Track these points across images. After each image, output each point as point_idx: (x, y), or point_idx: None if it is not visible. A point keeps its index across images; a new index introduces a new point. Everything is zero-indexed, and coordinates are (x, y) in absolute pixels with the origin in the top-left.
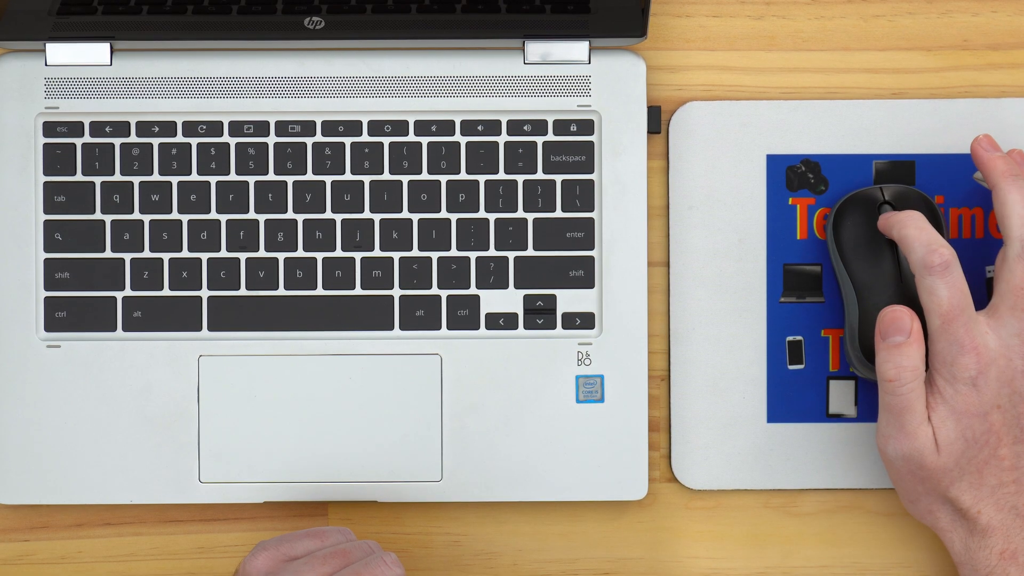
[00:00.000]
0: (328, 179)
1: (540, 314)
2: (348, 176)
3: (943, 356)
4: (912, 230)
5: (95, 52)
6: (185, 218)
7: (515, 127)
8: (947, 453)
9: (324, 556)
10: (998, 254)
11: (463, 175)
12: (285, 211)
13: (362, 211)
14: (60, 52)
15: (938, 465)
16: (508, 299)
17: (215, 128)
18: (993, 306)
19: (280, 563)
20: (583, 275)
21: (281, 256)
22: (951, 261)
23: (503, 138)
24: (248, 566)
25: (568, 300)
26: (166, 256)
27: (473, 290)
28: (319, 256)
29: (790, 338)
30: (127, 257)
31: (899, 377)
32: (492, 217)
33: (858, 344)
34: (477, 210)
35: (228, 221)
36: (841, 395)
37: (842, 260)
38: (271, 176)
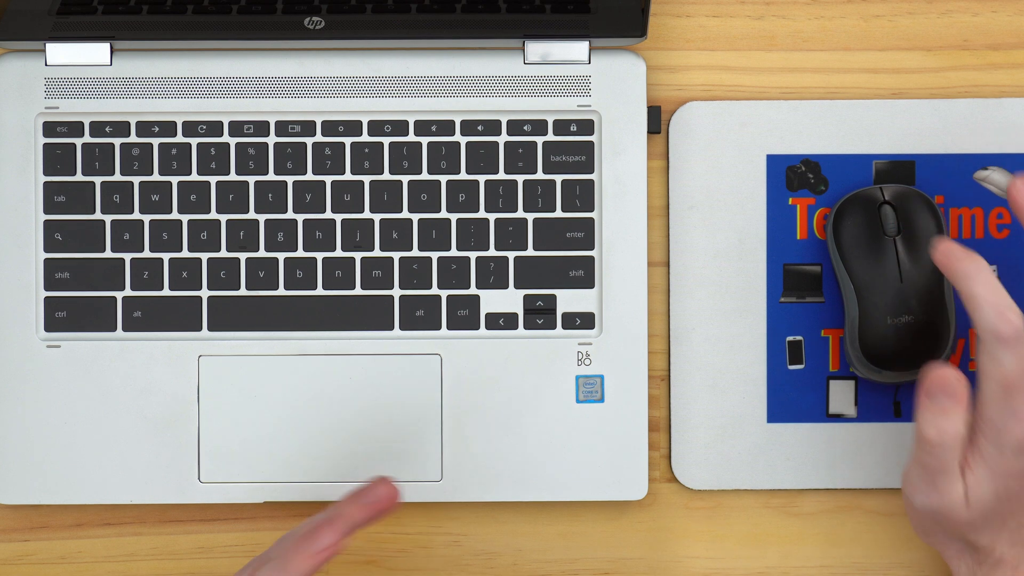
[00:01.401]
0: (328, 179)
1: (540, 314)
2: (348, 176)
3: (994, 422)
4: (982, 289)
5: (95, 52)
6: (185, 218)
7: (515, 127)
8: (977, 509)
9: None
10: None
11: (463, 175)
12: (285, 211)
13: (362, 211)
14: (60, 52)
15: (965, 519)
16: (508, 299)
17: (215, 128)
18: None
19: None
20: (583, 275)
21: (281, 256)
22: (1021, 330)
23: (503, 138)
24: None
25: (568, 300)
26: (166, 256)
27: (473, 290)
28: (319, 256)
29: (790, 338)
30: (127, 257)
31: (942, 442)
32: (492, 217)
33: (858, 344)
34: (477, 210)
35: (228, 221)
36: (841, 395)
37: (842, 260)
38: (271, 176)
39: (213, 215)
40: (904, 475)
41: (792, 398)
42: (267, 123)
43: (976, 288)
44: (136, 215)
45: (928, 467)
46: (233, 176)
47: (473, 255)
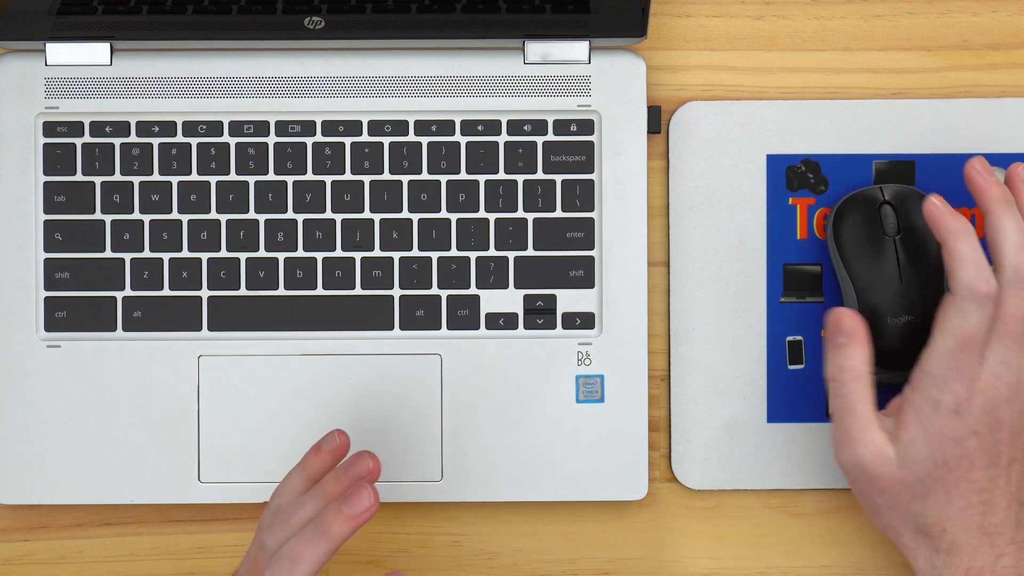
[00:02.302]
0: (328, 179)
1: (540, 314)
2: (348, 176)
3: (934, 378)
4: (967, 247)
5: (95, 52)
6: (185, 218)
7: (515, 127)
8: (910, 470)
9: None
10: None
11: (463, 175)
12: (285, 211)
13: (362, 211)
14: (60, 52)
15: (896, 478)
16: (508, 299)
17: (215, 128)
18: (987, 338)
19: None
20: (583, 275)
21: (281, 256)
22: (994, 295)
23: (503, 138)
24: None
25: (568, 300)
26: (166, 256)
27: (473, 290)
28: (319, 256)
29: (790, 338)
30: (127, 257)
31: (841, 378)
32: (492, 217)
33: None
34: (477, 210)
35: (228, 221)
36: None
37: (842, 260)
38: (271, 176)
39: (213, 215)
40: (832, 441)
41: (792, 398)
42: (267, 123)
43: (962, 245)
44: (136, 215)
45: (837, 411)
46: (233, 176)
47: (473, 255)
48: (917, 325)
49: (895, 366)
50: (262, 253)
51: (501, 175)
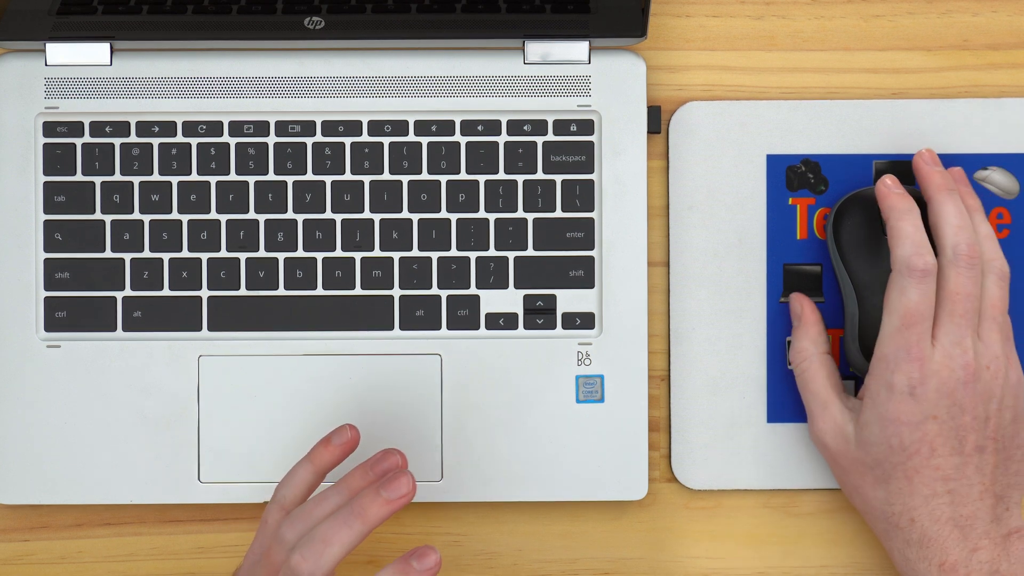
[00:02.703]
0: (328, 179)
1: (540, 314)
2: (348, 176)
3: (887, 361)
4: (908, 226)
5: (95, 52)
6: (185, 218)
7: (515, 127)
8: (866, 452)
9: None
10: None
11: (463, 175)
12: (285, 211)
13: (362, 211)
14: (60, 52)
15: (854, 458)
16: (508, 299)
17: (215, 128)
18: (935, 319)
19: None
20: (583, 275)
21: (281, 256)
22: (933, 271)
23: (503, 138)
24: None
25: (568, 300)
26: (166, 256)
27: (473, 290)
28: (319, 256)
29: (790, 338)
30: (127, 257)
31: (793, 359)
32: (492, 217)
33: (857, 343)
34: (477, 210)
35: (228, 221)
36: None
37: (842, 260)
38: (271, 176)
39: (213, 215)
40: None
41: (792, 398)
42: (267, 123)
43: (904, 224)
44: (136, 215)
45: (800, 391)
46: (233, 176)
47: (473, 255)
48: None
49: None
50: (262, 253)
51: (501, 175)
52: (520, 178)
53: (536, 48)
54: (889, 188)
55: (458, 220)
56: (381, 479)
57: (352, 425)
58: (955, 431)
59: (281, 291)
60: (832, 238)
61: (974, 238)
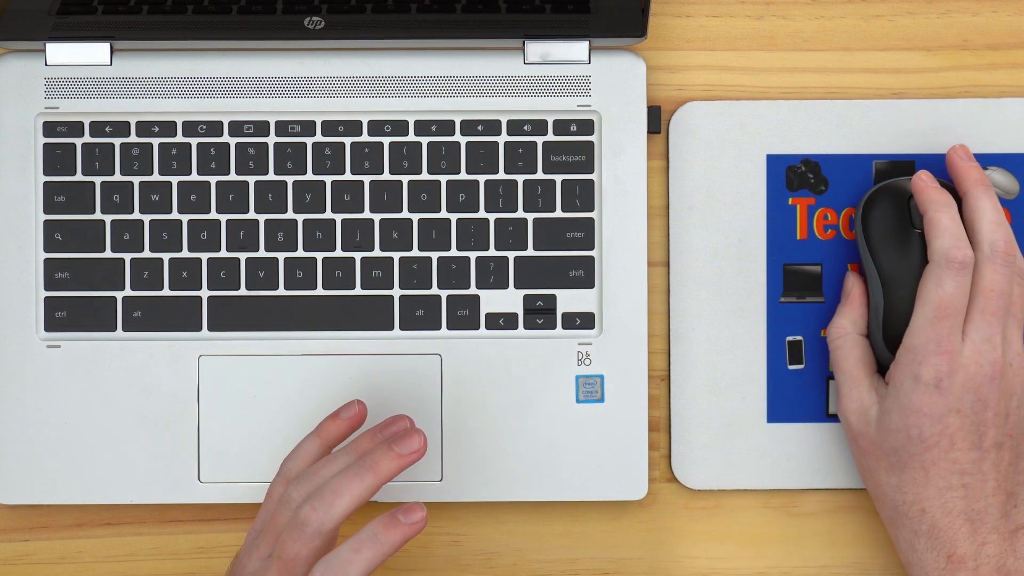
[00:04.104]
0: (328, 179)
1: (540, 314)
2: (348, 176)
3: (915, 351)
4: (947, 219)
5: (95, 52)
6: (185, 218)
7: (515, 127)
8: (884, 438)
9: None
10: None
11: (463, 175)
12: (285, 211)
13: (362, 211)
14: (60, 52)
15: (873, 441)
16: (508, 299)
17: (215, 128)
18: (967, 314)
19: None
20: (583, 275)
21: (281, 256)
22: (970, 264)
23: (503, 138)
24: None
25: (568, 300)
26: (166, 256)
27: (473, 290)
28: (319, 256)
29: (790, 338)
30: (127, 257)
31: (830, 334)
32: (492, 217)
33: (882, 334)
34: (477, 210)
35: (228, 221)
36: None
37: (869, 251)
38: (271, 176)
39: (213, 215)
40: None
41: (792, 398)
42: (267, 123)
43: (942, 216)
44: (136, 215)
45: (833, 368)
46: (233, 176)
47: (473, 255)
48: None
49: None
50: (262, 253)
51: (501, 175)
52: (520, 178)
53: (536, 48)
54: (925, 182)
55: (458, 220)
56: (391, 439)
57: (360, 401)
58: (976, 426)
59: (281, 291)
60: (860, 229)
61: (1011, 235)
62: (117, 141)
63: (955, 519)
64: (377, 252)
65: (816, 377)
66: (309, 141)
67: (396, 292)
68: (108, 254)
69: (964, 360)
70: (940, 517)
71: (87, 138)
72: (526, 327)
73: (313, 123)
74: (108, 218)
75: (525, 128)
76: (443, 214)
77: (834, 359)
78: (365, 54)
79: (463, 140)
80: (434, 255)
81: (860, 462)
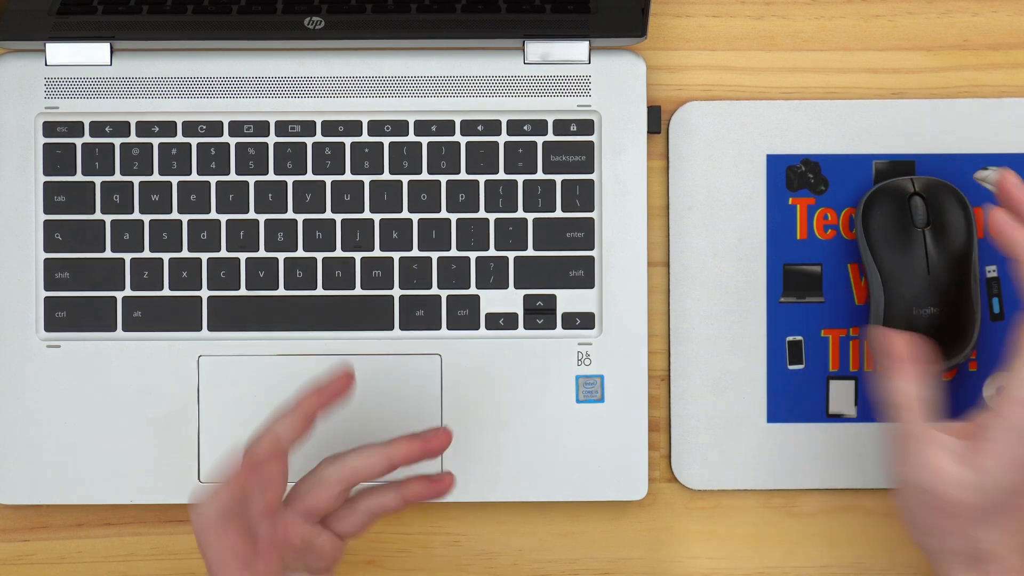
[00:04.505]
0: (328, 179)
1: (540, 314)
2: (348, 176)
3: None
4: None
5: (95, 52)
6: (185, 218)
7: (515, 127)
8: (985, 496)
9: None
10: None
11: (463, 175)
12: (285, 211)
13: (362, 211)
14: (60, 52)
15: (967, 503)
16: (508, 299)
17: (215, 128)
18: None
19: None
20: (583, 275)
21: (281, 256)
22: None
23: (503, 138)
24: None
25: (568, 300)
26: (166, 256)
27: (473, 290)
28: (319, 256)
29: (790, 338)
30: (127, 257)
31: (899, 402)
32: (492, 217)
33: None
34: (477, 210)
35: (228, 221)
36: (841, 395)
37: (870, 250)
38: (271, 176)
39: (213, 215)
40: (889, 459)
41: (792, 398)
42: (267, 123)
43: None
44: (136, 215)
45: (896, 434)
46: (233, 176)
47: (473, 255)
48: (941, 317)
49: None
50: (262, 253)
51: (501, 175)
52: (520, 178)
53: (536, 48)
54: (1006, 222)
55: (458, 220)
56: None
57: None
58: None
59: (281, 291)
60: (860, 229)
61: None
62: (117, 141)
63: (1019, 557)
64: (377, 252)
65: (816, 377)
66: (309, 141)
67: (396, 292)
68: (108, 254)
69: None
70: (1010, 556)
71: (87, 138)
72: (526, 327)
73: (313, 123)
74: (108, 218)
75: (525, 128)
76: (443, 214)
77: (900, 428)
78: (365, 54)
79: (463, 140)
80: (434, 255)
81: (936, 523)
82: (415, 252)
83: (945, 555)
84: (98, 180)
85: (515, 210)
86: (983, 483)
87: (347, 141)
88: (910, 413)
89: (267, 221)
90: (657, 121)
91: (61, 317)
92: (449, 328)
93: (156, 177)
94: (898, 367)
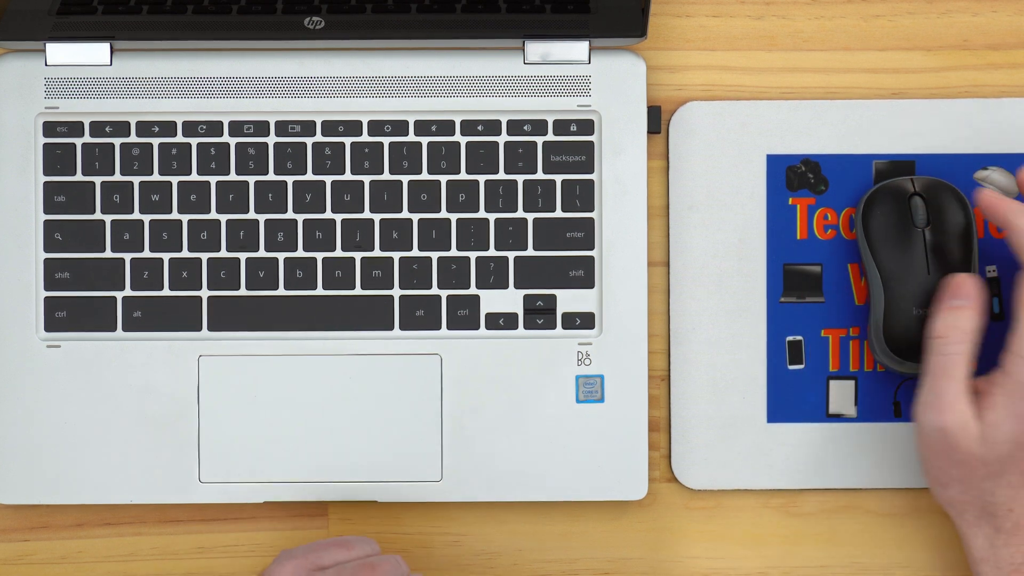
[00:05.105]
0: (328, 179)
1: (540, 314)
2: (348, 176)
3: None
4: None
5: (95, 52)
6: (185, 218)
7: (515, 127)
8: (990, 449)
9: (353, 569)
10: None
11: (463, 175)
12: (285, 211)
13: (362, 211)
14: (60, 52)
15: (974, 454)
16: (508, 299)
17: (215, 128)
18: None
19: (308, 572)
20: (583, 275)
21: (281, 256)
22: None
23: (503, 138)
24: (274, 574)
25: (568, 300)
26: (166, 256)
27: (473, 290)
28: (319, 256)
29: (790, 338)
30: (127, 257)
31: (947, 335)
32: (492, 217)
33: (882, 334)
34: (477, 210)
35: (228, 221)
36: (841, 395)
37: (870, 249)
38: (271, 176)
39: (213, 215)
40: (916, 399)
41: (792, 398)
42: (267, 123)
43: (1021, 219)
44: (136, 215)
45: (935, 370)
46: (233, 176)
47: (473, 255)
48: None
49: (918, 358)
50: (262, 253)
51: (501, 175)
52: (520, 178)
53: (536, 48)
54: (994, 195)
55: (458, 220)
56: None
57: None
58: None
59: (281, 291)
60: (861, 229)
61: None
62: (117, 141)
63: None
64: (377, 252)
65: (816, 377)
66: (309, 141)
67: (396, 292)
68: (108, 254)
69: None
70: (1018, 510)
71: (87, 138)
72: (526, 327)
73: (313, 123)
74: (108, 218)
75: (525, 128)
76: (443, 214)
77: (945, 364)
78: (365, 54)
79: (463, 140)
80: (434, 255)
81: (948, 471)
82: (415, 252)
83: (959, 507)
84: (98, 180)
85: (515, 210)
86: (988, 435)
87: (347, 141)
88: (955, 351)
89: (267, 221)
90: (657, 121)
91: (61, 317)
92: (449, 328)
93: (156, 177)
94: (960, 305)
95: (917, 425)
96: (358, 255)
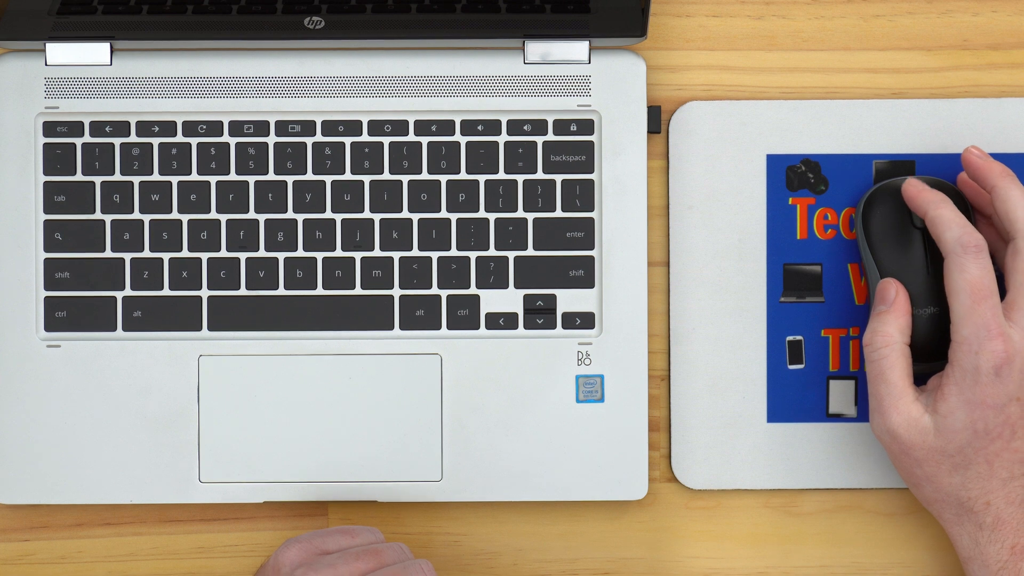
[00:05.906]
0: (328, 179)
1: (540, 314)
2: (348, 176)
3: (969, 343)
4: (948, 212)
5: (95, 52)
6: (185, 218)
7: (515, 127)
8: (948, 440)
9: (357, 553)
10: (1008, 252)
11: (463, 175)
12: (285, 211)
13: (362, 211)
14: (60, 52)
15: (933, 447)
16: (508, 299)
17: (215, 128)
18: (1010, 301)
19: (313, 555)
20: (583, 275)
21: (281, 256)
22: (985, 247)
23: (503, 138)
24: (281, 558)
25: (568, 300)
26: (166, 256)
27: (473, 290)
28: (319, 256)
29: (790, 338)
30: (127, 257)
31: (872, 341)
32: (492, 217)
33: None
34: (477, 210)
35: (228, 221)
36: (841, 395)
37: (870, 249)
38: (271, 176)
39: (213, 215)
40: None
41: (792, 398)
42: (267, 123)
43: (943, 211)
44: (136, 215)
45: (870, 378)
46: (233, 176)
47: (473, 255)
48: (942, 317)
49: (918, 357)
50: (262, 253)
51: (501, 175)
52: (520, 178)
53: (536, 48)
54: (916, 187)
55: (458, 220)
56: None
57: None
58: None
59: (281, 291)
60: (860, 229)
61: None
62: (117, 141)
63: (1018, 509)
64: (377, 252)
65: (816, 377)
66: (309, 141)
67: (396, 292)
68: (108, 254)
69: (1018, 346)
70: (1004, 507)
71: (87, 138)
72: (526, 327)
73: (313, 123)
74: (108, 218)
75: (525, 128)
76: (443, 214)
77: (877, 369)
78: (365, 54)
79: (463, 140)
80: (434, 255)
81: (913, 471)
82: (415, 252)
83: (937, 506)
84: (98, 180)
85: (515, 210)
86: (942, 426)
87: (347, 141)
88: (882, 356)
89: (267, 221)
90: (657, 121)
91: (61, 317)
92: (449, 328)
93: (156, 177)
94: (882, 310)
95: (874, 433)
96: (358, 255)
